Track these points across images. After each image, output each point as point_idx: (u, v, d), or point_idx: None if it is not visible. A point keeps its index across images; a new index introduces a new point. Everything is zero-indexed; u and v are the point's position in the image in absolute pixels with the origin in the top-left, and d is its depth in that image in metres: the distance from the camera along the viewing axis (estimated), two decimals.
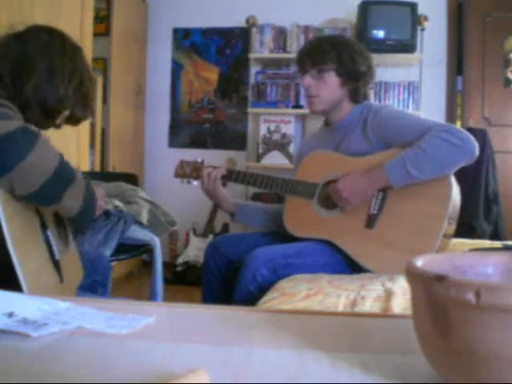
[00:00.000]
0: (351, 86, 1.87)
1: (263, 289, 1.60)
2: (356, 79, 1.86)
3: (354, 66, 1.84)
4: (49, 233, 1.31)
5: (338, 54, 1.83)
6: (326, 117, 1.99)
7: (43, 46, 1.35)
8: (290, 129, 3.87)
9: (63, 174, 1.20)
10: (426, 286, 0.47)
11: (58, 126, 1.46)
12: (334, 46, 1.85)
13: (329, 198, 1.84)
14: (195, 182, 2.05)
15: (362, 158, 1.80)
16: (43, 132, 1.23)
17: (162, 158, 4.24)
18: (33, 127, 1.20)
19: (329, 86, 1.86)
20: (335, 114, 1.91)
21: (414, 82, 3.73)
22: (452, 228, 1.74)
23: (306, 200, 1.86)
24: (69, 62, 1.38)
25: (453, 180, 1.70)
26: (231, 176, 1.96)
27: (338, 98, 1.88)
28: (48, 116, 1.38)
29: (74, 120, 1.46)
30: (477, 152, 1.66)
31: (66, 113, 1.41)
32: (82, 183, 1.27)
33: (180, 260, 3.91)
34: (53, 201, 1.21)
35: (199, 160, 2.07)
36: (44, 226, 1.30)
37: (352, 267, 1.75)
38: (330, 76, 1.85)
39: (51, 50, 1.36)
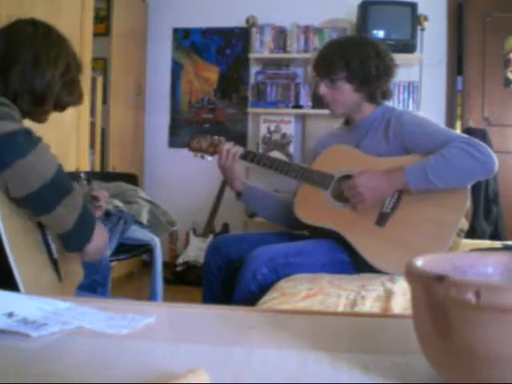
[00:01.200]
0: (366, 90, 1.86)
1: (264, 288, 1.60)
2: (368, 83, 1.85)
3: (364, 71, 1.82)
4: (47, 232, 1.31)
5: (347, 62, 1.82)
6: (346, 117, 2.00)
7: (28, 36, 1.36)
8: (290, 129, 3.87)
9: (60, 184, 1.19)
10: (426, 286, 0.47)
11: (46, 113, 1.45)
12: (342, 54, 1.84)
13: (343, 192, 1.84)
14: (210, 158, 2.03)
15: (382, 158, 1.79)
16: (44, 140, 1.22)
17: (162, 158, 4.25)
18: (35, 133, 1.20)
19: (343, 93, 1.86)
20: (357, 114, 1.92)
21: (414, 82, 3.73)
22: (466, 224, 1.74)
23: (320, 190, 1.86)
24: (54, 48, 1.38)
25: (469, 192, 1.71)
26: (248, 156, 1.95)
27: (356, 103, 1.88)
28: (38, 103, 1.37)
29: (60, 105, 1.45)
30: (496, 168, 1.66)
31: (53, 99, 1.40)
32: (80, 200, 1.25)
33: (180, 260, 3.91)
34: (46, 208, 1.19)
35: (216, 137, 2.05)
36: (42, 225, 1.30)
37: (352, 267, 1.75)
38: (342, 84, 1.85)
39: (36, 38, 1.37)
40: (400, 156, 1.78)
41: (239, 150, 1.95)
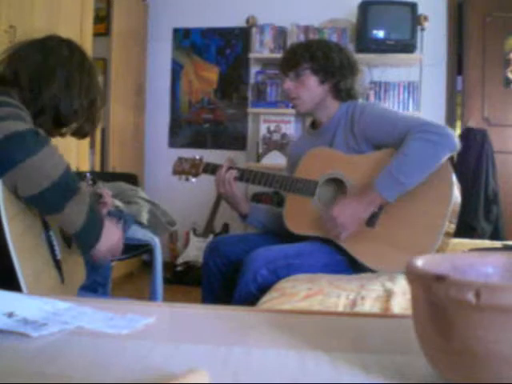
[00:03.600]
0: (330, 83, 1.89)
1: (263, 289, 1.60)
2: (332, 74, 1.88)
3: (327, 61, 1.87)
4: (51, 233, 1.31)
5: (311, 54, 1.88)
6: (313, 118, 2.00)
7: (64, 58, 1.38)
8: (290, 129, 3.87)
9: (68, 184, 1.19)
10: (426, 286, 0.47)
11: (63, 135, 1.47)
12: (306, 48, 1.91)
13: (329, 196, 1.84)
14: (194, 179, 2.04)
15: (362, 155, 1.80)
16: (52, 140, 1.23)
17: (162, 158, 4.24)
18: (43, 133, 1.20)
19: (307, 87, 1.89)
20: (322, 113, 1.93)
21: (414, 82, 3.73)
22: (452, 227, 1.74)
23: (306, 198, 1.86)
24: (86, 77, 1.41)
25: (454, 179, 1.71)
26: (243, 177, 1.93)
27: (320, 97, 1.90)
28: (59, 125, 1.40)
29: (81, 133, 1.48)
30: (456, 142, 1.68)
31: (74, 125, 1.42)
32: (87, 200, 1.25)
33: (180, 260, 3.91)
34: (54, 208, 1.19)
35: (197, 157, 2.06)
36: (46, 226, 1.30)
37: (352, 267, 1.75)
38: (307, 76, 1.88)
39: (71, 63, 1.39)
40: (376, 151, 1.79)
41: (234, 172, 1.92)
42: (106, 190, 1.53)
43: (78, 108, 1.38)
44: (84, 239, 1.28)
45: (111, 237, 1.32)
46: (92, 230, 1.28)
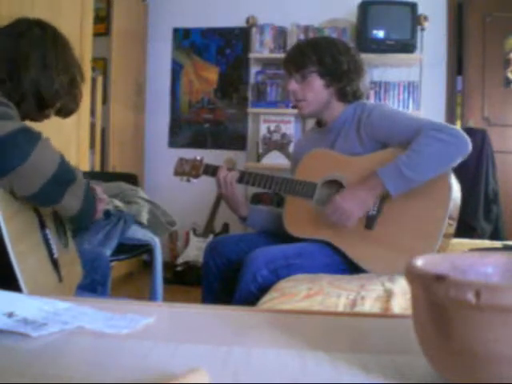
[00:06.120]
0: (336, 87, 1.86)
1: (263, 289, 1.60)
2: (339, 79, 1.85)
3: (335, 65, 1.83)
4: (47, 231, 1.31)
5: (319, 56, 1.83)
6: (318, 118, 1.99)
7: (36, 39, 1.36)
8: (290, 129, 3.87)
9: (63, 175, 1.20)
10: (426, 286, 0.47)
11: (47, 117, 1.46)
12: (314, 49, 1.85)
13: (328, 199, 1.83)
14: (195, 180, 2.04)
15: (361, 156, 1.79)
16: (44, 133, 1.23)
17: (162, 158, 4.24)
18: (33, 129, 1.20)
19: (313, 89, 1.86)
20: (327, 114, 1.91)
21: (414, 82, 3.73)
22: (452, 228, 1.73)
23: (306, 200, 1.85)
24: (62, 55, 1.39)
25: (453, 180, 1.70)
26: (244, 178, 1.92)
27: (325, 100, 1.87)
28: (42, 107, 1.38)
29: (65, 112, 1.47)
30: (470, 147, 1.65)
31: (58, 104, 1.42)
32: (83, 182, 1.28)
33: (180, 260, 3.91)
34: (53, 201, 1.21)
35: (198, 158, 2.05)
36: (43, 225, 1.30)
37: (352, 268, 1.75)
38: (314, 79, 1.85)
39: (45, 43, 1.37)
40: (377, 151, 1.77)
41: (235, 174, 1.91)
42: (98, 186, 1.54)
43: (58, 87, 1.36)
44: (82, 218, 1.34)
45: (100, 207, 1.44)
46: (89, 209, 1.33)
